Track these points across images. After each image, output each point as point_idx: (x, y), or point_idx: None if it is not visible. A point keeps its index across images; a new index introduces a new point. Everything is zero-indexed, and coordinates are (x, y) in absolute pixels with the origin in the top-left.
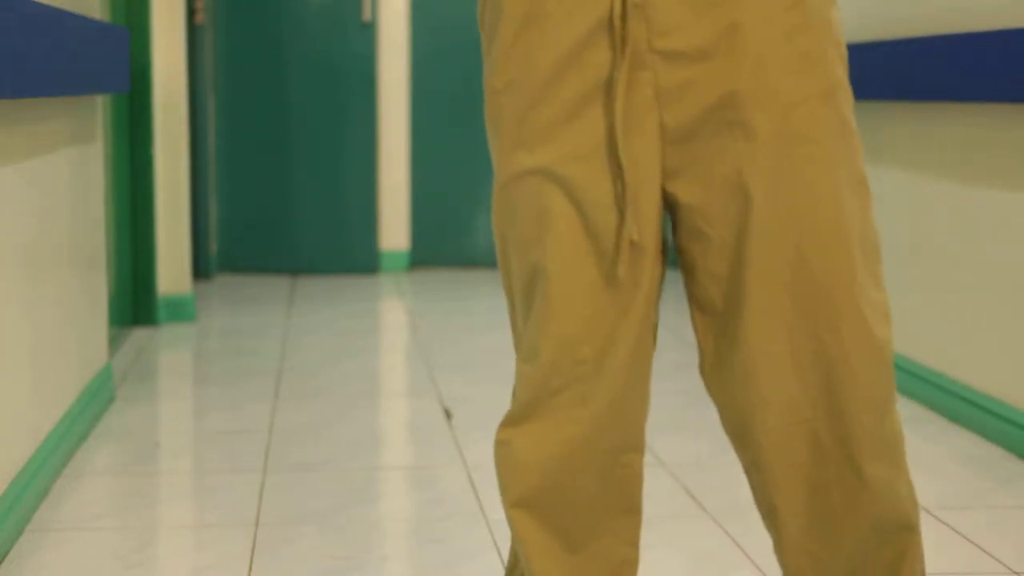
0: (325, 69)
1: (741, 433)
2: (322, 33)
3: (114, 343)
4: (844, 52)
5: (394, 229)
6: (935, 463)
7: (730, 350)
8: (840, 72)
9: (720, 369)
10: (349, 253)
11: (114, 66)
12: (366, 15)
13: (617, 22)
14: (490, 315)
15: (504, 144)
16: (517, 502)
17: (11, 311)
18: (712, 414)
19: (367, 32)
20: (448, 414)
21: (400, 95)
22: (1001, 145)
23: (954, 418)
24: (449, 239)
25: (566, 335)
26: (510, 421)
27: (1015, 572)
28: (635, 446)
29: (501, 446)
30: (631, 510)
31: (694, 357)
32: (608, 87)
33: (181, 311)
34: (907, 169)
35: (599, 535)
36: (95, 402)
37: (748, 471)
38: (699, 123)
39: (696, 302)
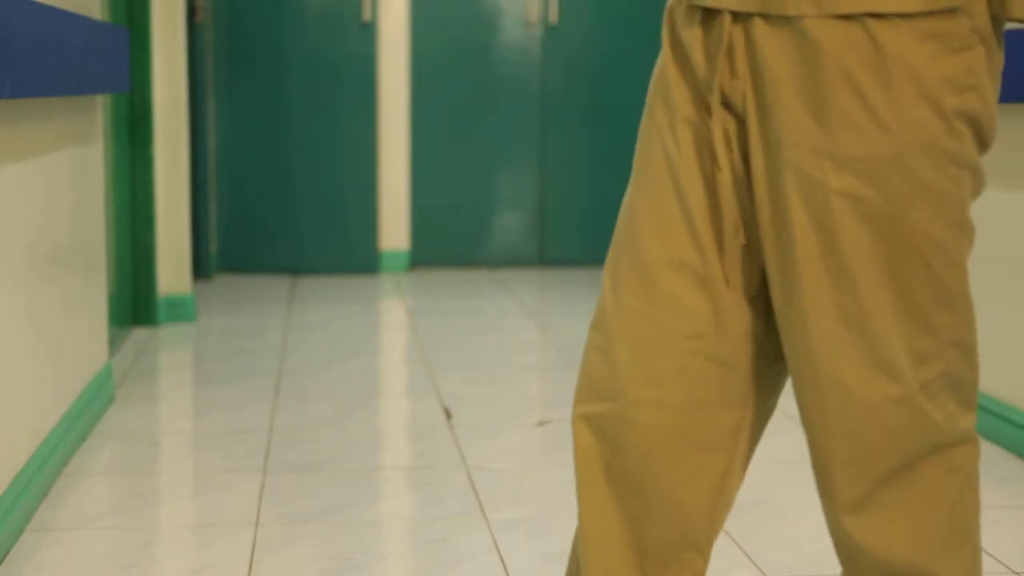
0: (325, 69)
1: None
2: (322, 33)
3: (114, 343)
4: None
5: (394, 229)
6: None
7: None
8: None
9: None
10: (349, 253)
11: (114, 66)
12: (366, 15)
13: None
14: (490, 315)
15: None
16: (584, 415)
17: (11, 311)
18: None
19: (367, 32)
20: (448, 414)
21: (400, 95)
22: (1001, 145)
23: None
24: (449, 239)
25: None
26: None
27: (1016, 572)
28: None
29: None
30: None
31: None
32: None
33: (181, 311)
34: None
35: (674, 556)
36: (95, 402)
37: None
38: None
39: None
